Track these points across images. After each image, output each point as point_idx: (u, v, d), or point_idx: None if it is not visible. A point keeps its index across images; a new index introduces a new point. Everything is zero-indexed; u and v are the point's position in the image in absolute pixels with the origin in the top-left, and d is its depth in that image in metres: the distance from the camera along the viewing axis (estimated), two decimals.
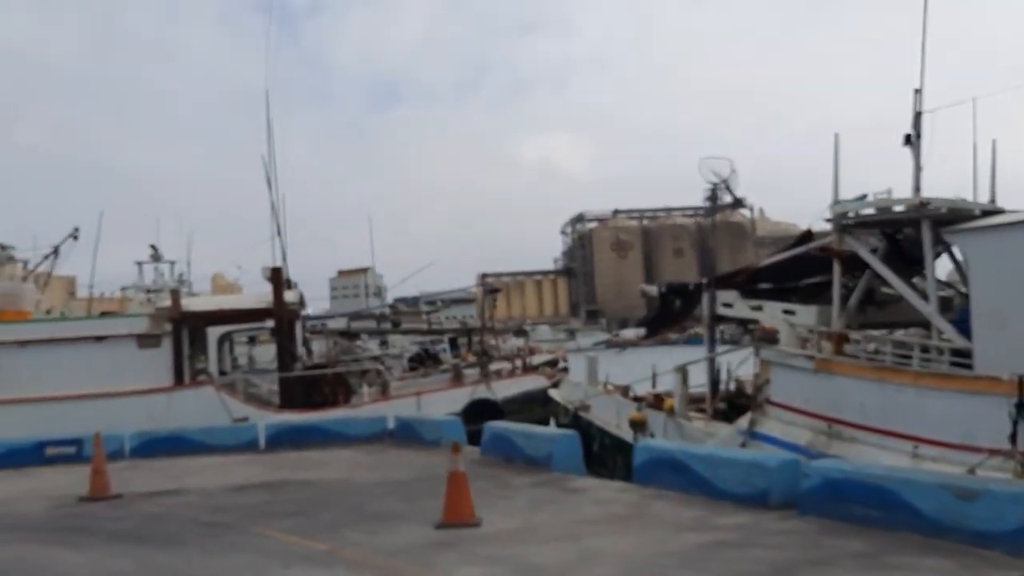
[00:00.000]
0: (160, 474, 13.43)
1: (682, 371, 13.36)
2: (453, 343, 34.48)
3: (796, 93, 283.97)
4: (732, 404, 13.01)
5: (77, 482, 13.12)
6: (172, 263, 29.48)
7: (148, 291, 27.69)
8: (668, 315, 15.31)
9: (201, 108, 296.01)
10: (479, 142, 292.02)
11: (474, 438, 13.89)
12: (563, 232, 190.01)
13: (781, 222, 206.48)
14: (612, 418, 14.74)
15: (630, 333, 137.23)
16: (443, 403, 17.95)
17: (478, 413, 16.55)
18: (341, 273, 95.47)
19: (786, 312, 12.46)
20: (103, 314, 21.90)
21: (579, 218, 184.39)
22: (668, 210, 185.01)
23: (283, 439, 16.12)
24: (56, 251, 28.80)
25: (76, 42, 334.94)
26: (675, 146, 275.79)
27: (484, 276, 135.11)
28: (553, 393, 17.54)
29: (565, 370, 26.41)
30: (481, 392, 18.21)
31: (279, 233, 24.77)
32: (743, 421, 11.82)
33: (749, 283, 13.68)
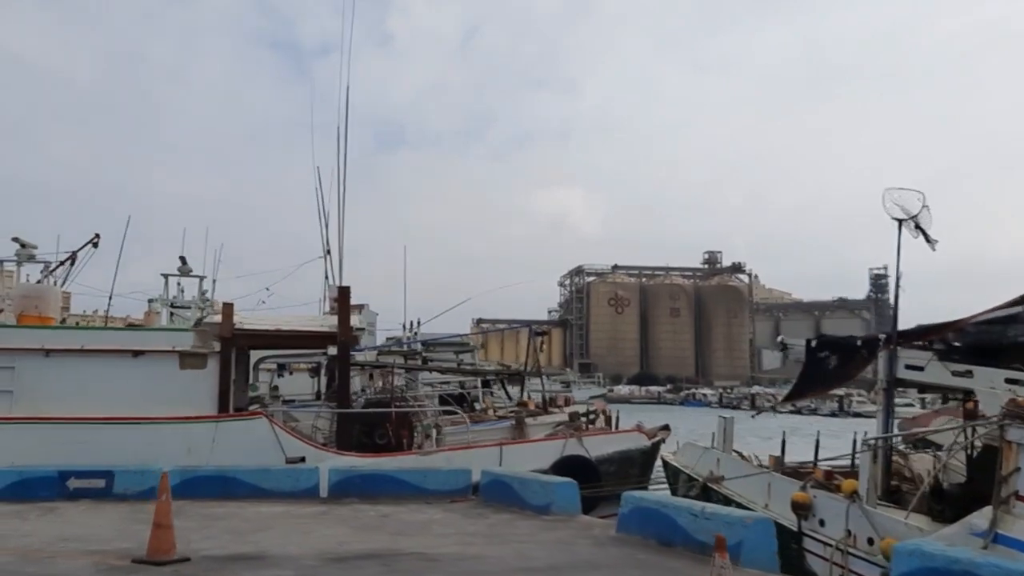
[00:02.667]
0: (220, 527, 10.92)
1: (876, 446, 10.94)
2: (486, 385, 32.05)
3: (791, 164, 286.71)
4: (938, 492, 10.54)
5: (116, 528, 10.66)
6: (201, 278, 27.06)
7: (173, 306, 25.17)
8: (819, 375, 12.94)
9: (222, 136, 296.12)
10: (479, 190, 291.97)
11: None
12: (561, 284, 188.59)
13: (774, 289, 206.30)
14: (758, 496, 12.33)
15: (624, 390, 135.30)
16: (527, 457, 15.48)
17: (569, 472, 14.07)
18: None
19: (1011, 382, 10.18)
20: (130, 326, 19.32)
21: (578, 271, 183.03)
22: (667, 269, 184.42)
23: (350, 488, 13.63)
24: (73, 257, 26.29)
25: (97, 63, 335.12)
26: (672, 207, 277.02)
27: (479, 321, 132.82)
28: (668, 458, 15.13)
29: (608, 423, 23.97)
30: (573, 447, 15.74)
31: (329, 252, 22.52)
32: (978, 519, 9.42)
33: (943, 342, 11.41)
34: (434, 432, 16.01)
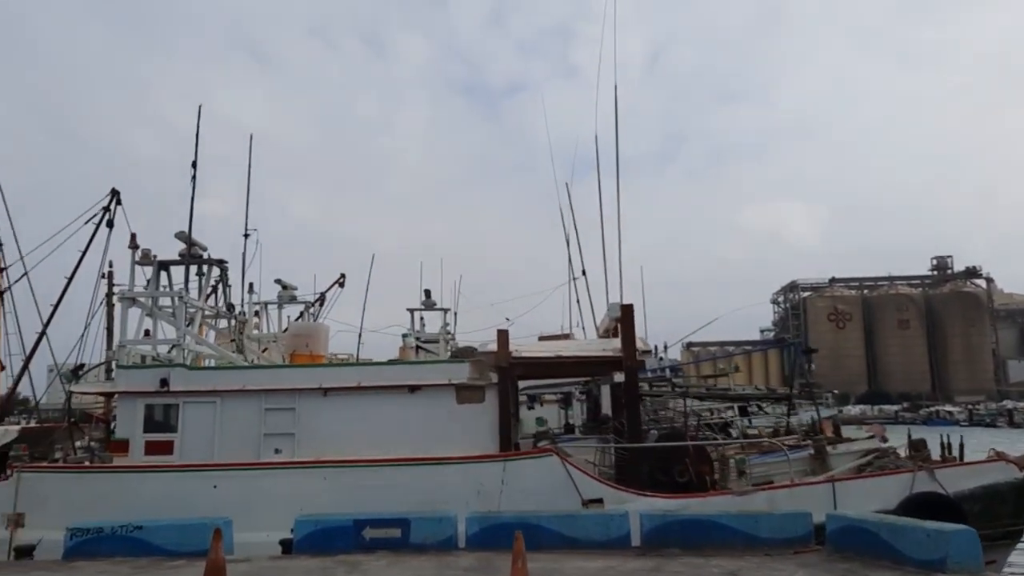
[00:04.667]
0: None
1: None
2: (743, 411, 29.27)
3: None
4: None
5: None
6: (445, 310, 26.57)
7: (419, 339, 24.66)
8: None
9: (433, 178, 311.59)
10: (679, 212, 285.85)
11: None
12: (774, 301, 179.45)
13: (1015, 294, 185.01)
14: None
15: (854, 410, 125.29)
16: (866, 495, 12.89)
17: (924, 514, 11.33)
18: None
19: None
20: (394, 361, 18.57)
21: (792, 287, 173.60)
22: (890, 279, 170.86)
23: (668, 536, 11.71)
24: (322, 298, 26.54)
25: (310, 128, 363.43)
26: (888, 213, 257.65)
27: (690, 345, 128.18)
28: None
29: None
30: (923, 483, 12.94)
31: (584, 273, 21.03)
32: None
33: None
34: (746, 468, 13.77)
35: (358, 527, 11.90)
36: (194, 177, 15.37)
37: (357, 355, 24.68)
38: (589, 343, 16.70)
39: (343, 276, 29.84)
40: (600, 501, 13.05)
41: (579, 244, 22.06)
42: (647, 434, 14.98)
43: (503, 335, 14.50)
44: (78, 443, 24.71)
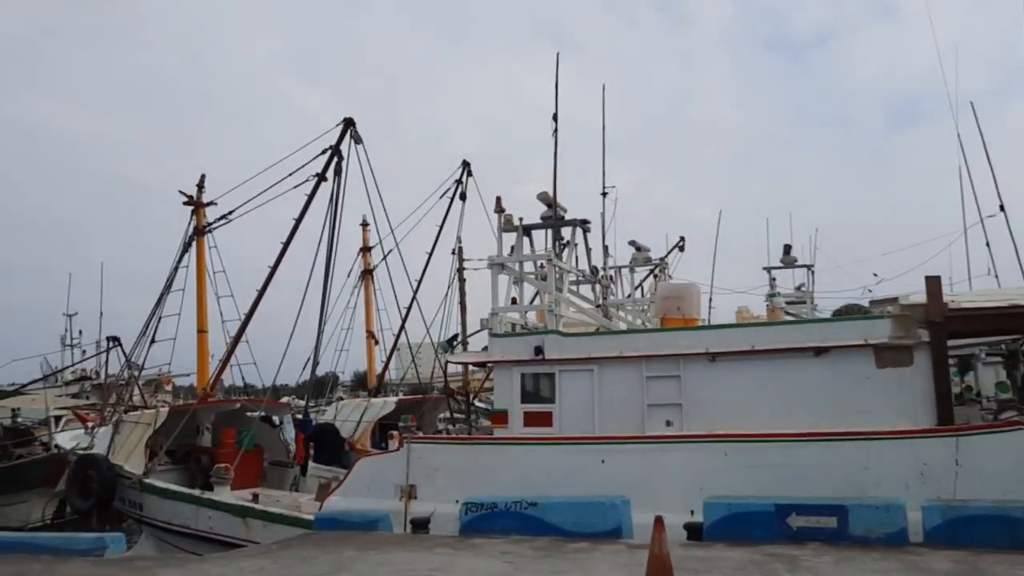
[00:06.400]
0: None
1: None
2: None
3: None
4: None
5: None
6: (809, 267, 23.79)
7: (787, 302, 22.17)
8: None
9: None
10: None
11: None
12: None
13: None
14: None
15: None
16: None
17: None
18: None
19: None
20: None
21: None
22: None
23: None
24: (663, 262, 24.86)
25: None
26: None
27: None
28: None
29: None
30: None
31: None
32: None
33: None
34: None
35: (781, 513, 10.00)
36: (555, 131, 14.37)
37: (709, 321, 22.78)
38: None
39: (683, 239, 28.08)
40: None
41: (992, 172, 18.17)
42: None
43: (934, 283, 11.72)
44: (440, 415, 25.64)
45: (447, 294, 27.20)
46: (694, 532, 10.62)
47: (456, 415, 23.23)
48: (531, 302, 18.44)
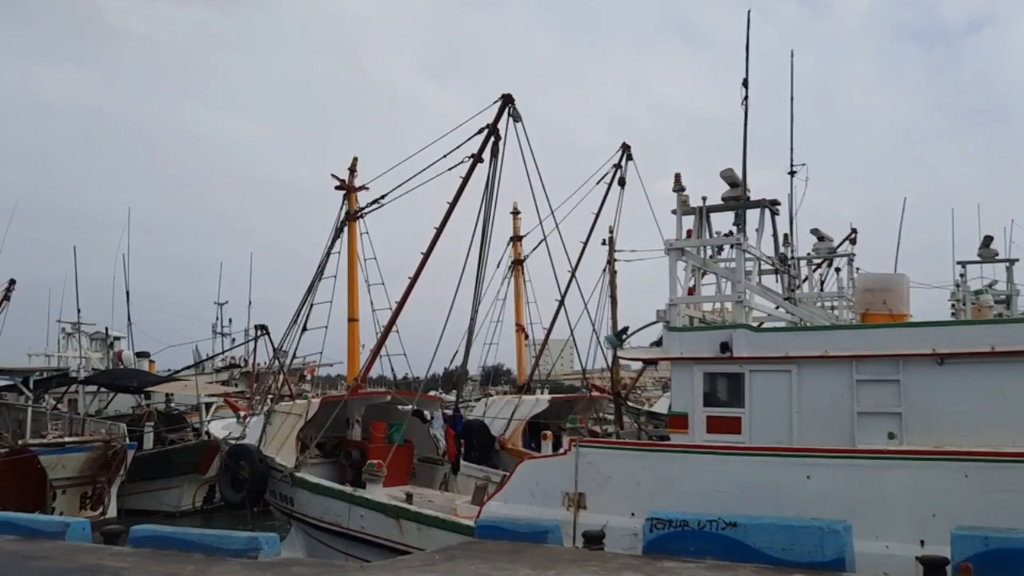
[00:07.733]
0: None
1: None
2: None
3: None
4: None
5: None
6: (1012, 261, 21.03)
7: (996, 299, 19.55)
8: None
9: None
10: None
11: None
12: None
13: None
14: None
15: None
16: None
17: None
18: None
19: None
20: None
21: None
22: None
23: None
24: (835, 253, 22.55)
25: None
26: None
27: None
28: None
29: None
30: None
31: None
32: None
33: None
34: None
35: None
36: (746, 98, 12.71)
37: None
38: None
39: (854, 231, 25.68)
40: None
41: None
42: None
43: None
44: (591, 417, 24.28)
45: (599, 282, 25.63)
46: (933, 569, 8.82)
47: (605, 417, 21.86)
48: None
